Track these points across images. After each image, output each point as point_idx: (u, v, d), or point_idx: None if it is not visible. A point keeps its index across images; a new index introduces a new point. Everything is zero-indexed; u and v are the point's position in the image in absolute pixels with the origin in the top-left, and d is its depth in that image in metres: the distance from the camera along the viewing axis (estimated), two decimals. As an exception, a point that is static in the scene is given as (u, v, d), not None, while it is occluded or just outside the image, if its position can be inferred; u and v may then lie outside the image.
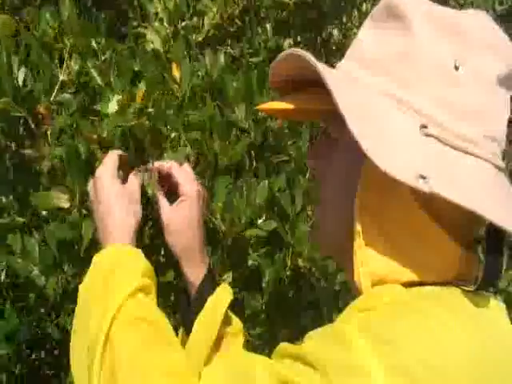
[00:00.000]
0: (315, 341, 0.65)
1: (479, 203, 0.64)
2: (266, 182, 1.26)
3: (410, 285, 0.68)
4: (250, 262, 1.28)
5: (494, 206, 0.66)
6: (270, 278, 1.27)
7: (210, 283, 0.94)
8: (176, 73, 1.29)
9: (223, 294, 0.93)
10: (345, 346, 0.60)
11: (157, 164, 1.01)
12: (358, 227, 0.68)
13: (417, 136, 0.66)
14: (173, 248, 0.95)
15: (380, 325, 0.62)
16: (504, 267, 0.68)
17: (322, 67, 0.67)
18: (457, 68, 0.68)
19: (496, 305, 0.70)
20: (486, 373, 0.62)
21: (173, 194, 0.98)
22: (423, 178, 0.63)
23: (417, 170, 0.63)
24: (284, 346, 0.67)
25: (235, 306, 0.96)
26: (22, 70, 1.10)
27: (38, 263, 1.11)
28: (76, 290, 0.85)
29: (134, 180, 0.98)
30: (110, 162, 0.95)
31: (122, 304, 0.79)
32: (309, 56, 0.68)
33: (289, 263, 1.31)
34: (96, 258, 0.87)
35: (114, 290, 0.81)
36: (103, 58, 1.23)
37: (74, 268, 1.11)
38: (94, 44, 1.24)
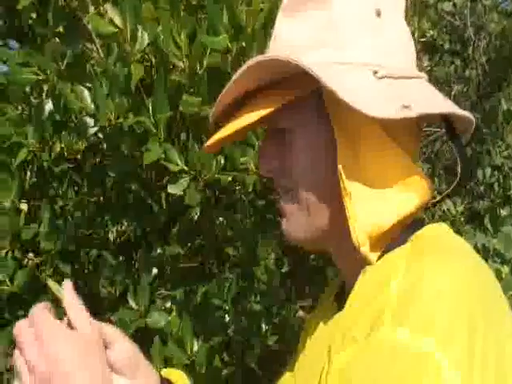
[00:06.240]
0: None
1: (454, 109, 0.74)
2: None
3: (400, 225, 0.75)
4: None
5: (454, 107, 0.75)
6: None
7: None
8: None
9: None
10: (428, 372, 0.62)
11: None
12: (349, 188, 0.73)
13: (375, 81, 0.74)
14: None
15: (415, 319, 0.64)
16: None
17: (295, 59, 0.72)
18: (379, 15, 0.77)
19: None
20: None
21: None
22: (406, 107, 0.70)
23: (398, 104, 0.70)
24: None
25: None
26: None
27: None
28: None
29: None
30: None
31: None
32: (276, 56, 0.74)
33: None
34: None
35: None
36: None
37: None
38: None
